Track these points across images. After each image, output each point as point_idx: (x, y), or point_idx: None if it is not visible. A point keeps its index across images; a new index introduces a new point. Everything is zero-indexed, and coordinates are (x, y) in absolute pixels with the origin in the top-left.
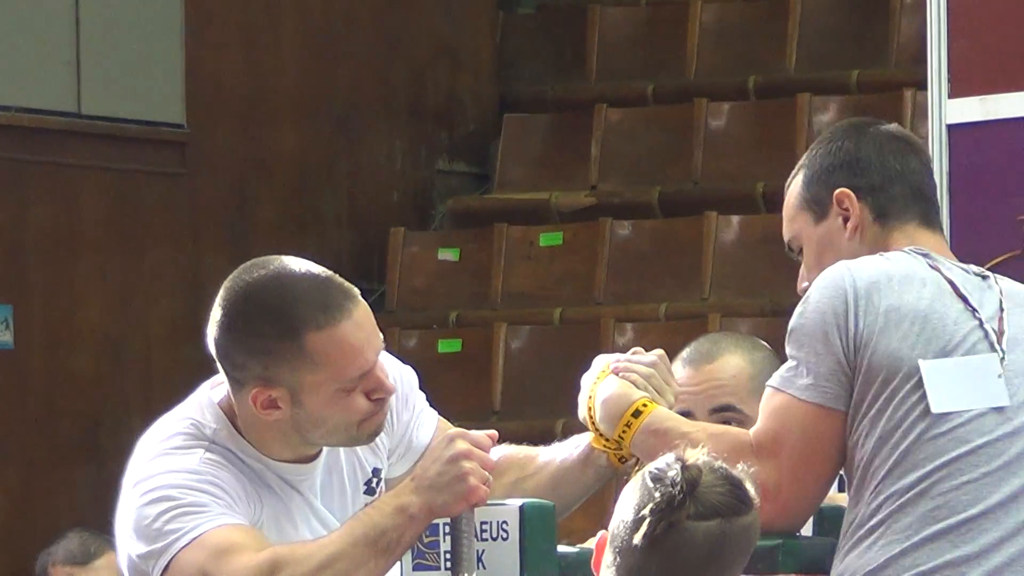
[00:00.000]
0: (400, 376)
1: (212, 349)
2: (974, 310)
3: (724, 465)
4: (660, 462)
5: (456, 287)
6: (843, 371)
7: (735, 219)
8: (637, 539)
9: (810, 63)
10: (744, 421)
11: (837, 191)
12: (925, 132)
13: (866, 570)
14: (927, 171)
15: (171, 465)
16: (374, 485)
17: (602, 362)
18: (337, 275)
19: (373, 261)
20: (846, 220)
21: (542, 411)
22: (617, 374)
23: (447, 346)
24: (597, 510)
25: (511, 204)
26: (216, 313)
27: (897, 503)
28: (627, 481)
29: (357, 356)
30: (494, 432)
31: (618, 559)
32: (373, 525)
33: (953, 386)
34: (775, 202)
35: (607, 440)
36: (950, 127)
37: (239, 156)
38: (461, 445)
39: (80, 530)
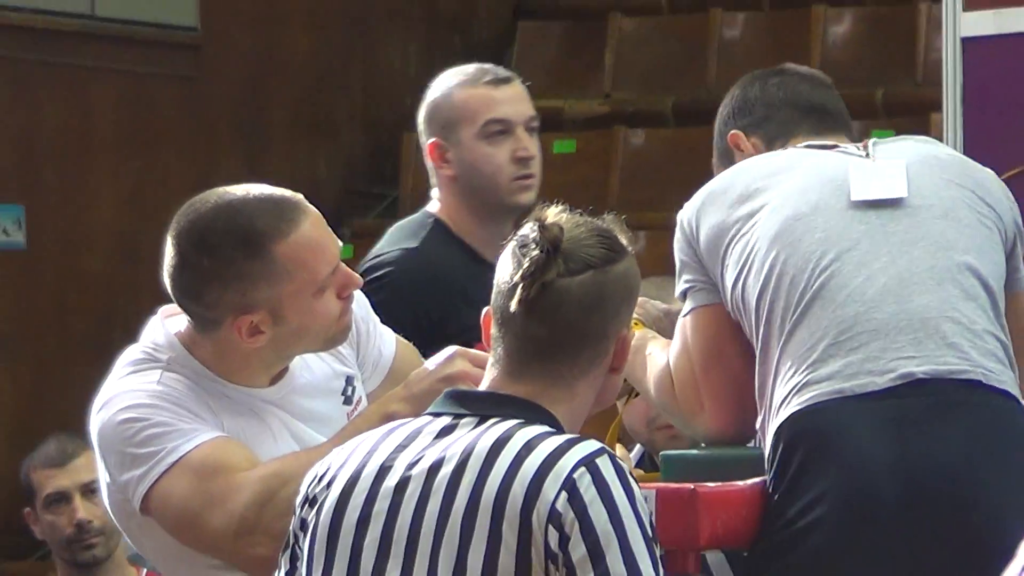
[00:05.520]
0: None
1: (177, 297)
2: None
3: (590, 218)
4: (524, 228)
5: None
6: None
7: None
8: (514, 306)
9: None
10: None
11: (729, 135)
12: (940, 45)
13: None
14: (821, 90)
15: (132, 384)
16: (350, 394)
17: None
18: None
19: (386, 166)
20: None
21: None
22: None
23: None
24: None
25: None
26: (175, 260)
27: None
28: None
29: (325, 251)
30: None
31: (502, 329)
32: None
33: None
34: None
35: None
36: (964, 40)
37: (252, 59)
38: (459, 364)
39: (59, 433)
